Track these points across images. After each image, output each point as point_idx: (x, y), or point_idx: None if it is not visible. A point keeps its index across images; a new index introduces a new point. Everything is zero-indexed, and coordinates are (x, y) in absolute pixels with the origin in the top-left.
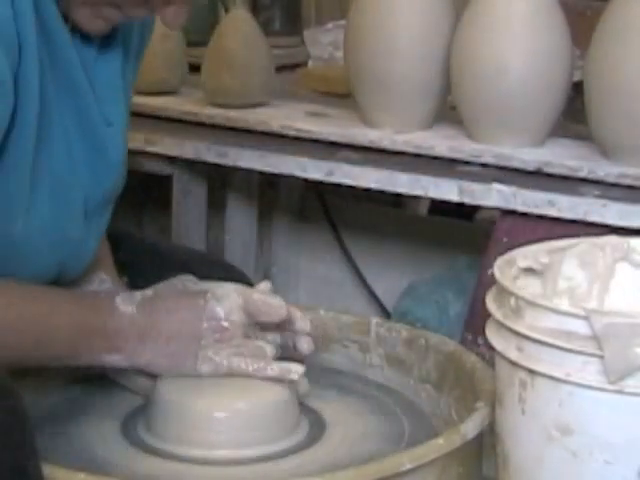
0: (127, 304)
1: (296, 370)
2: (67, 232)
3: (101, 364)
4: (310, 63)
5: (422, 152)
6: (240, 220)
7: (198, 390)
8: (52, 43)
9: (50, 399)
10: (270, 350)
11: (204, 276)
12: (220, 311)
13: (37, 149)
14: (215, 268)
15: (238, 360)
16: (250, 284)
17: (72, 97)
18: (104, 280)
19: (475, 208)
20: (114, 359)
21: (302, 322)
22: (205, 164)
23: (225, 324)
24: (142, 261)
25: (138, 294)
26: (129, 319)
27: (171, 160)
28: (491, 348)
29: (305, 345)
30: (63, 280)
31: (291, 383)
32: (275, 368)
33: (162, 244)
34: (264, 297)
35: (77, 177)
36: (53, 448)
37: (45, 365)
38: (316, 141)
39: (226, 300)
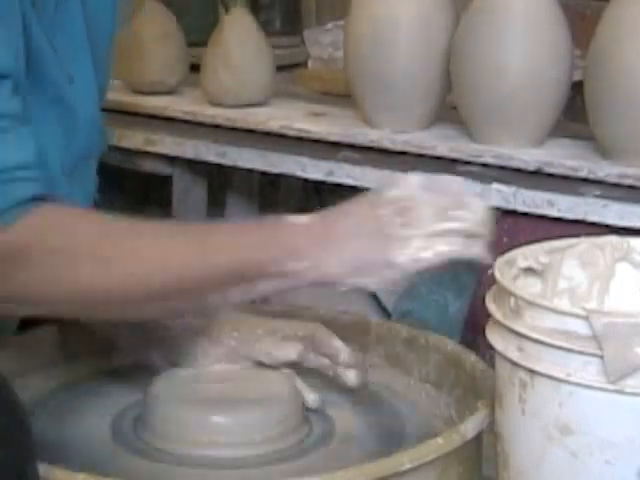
0: (297, 217)
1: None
2: (52, 190)
3: (282, 278)
4: (310, 63)
5: (422, 152)
6: (240, 220)
7: (195, 393)
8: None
9: (47, 397)
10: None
11: None
12: (400, 193)
13: None
14: None
15: (437, 241)
16: None
17: (32, 59)
18: None
19: None
20: (298, 267)
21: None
22: (205, 164)
23: (408, 204)
24: None
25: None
26: (304, 227)
27: (171, 160)
28: (491, 348)
29: (354, 379)
30: None
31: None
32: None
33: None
34: None
35: (51, 135)
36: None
37: (201, 295)
38: (316, 141)
39: (406, 182)
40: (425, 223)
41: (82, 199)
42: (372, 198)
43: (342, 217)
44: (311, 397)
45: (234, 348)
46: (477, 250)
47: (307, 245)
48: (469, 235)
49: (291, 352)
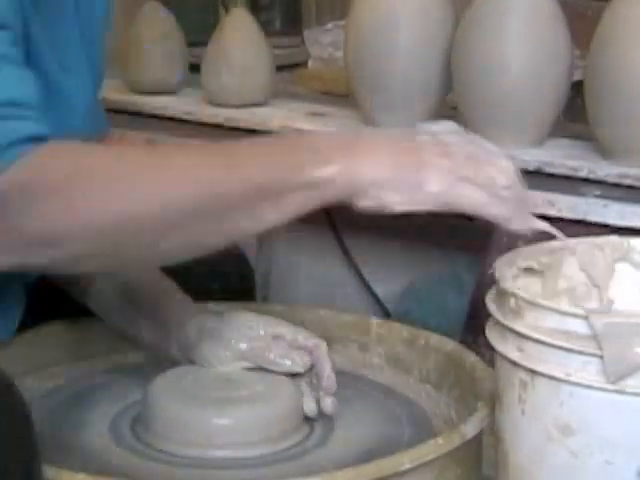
0: (321, 131)
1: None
2: None
3: (312, 186)
4: (310, 63)
5: None
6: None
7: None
8: None
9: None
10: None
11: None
12: (436, 129)
13: None
14: None
15: (467, 187)
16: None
17: (27, 49)
18: None
19: None
20: (328, 171)
21: (328, 381)
22: None
23: (447, 142)
24: None
25: None
26: (332, 135)
27: None
28: (491, 348)
29: (329, 406)
30: None
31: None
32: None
33: None
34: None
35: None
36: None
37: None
38: None
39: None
40: (460, 162)
41: None
42: (409, 129)
43: (374, 132)
44: (310, 406)
45: (243, 353)
46: (497, 211)
47: (337, 150)
48: (494, 194)
49: (298, 364)
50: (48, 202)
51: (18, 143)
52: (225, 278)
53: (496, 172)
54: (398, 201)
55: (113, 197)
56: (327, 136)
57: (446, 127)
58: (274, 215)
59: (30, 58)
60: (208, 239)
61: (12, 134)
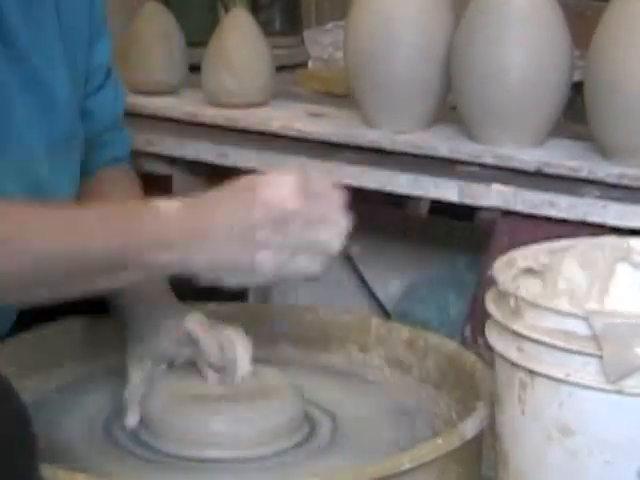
0: (169, 202)
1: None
2: (37, 176)
3: (151, 268)
4: (310, 63)
5: (422, 152)
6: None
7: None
8: None
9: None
10: (337, 243)
11: None
12: (274, 196)
13: None
14: None
15: (302, 260)
16: None
17: (8, 43)
18: None
19: (475, 208)
20: (166, 258)
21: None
22: (205, 164)
23: (282, 211)
24: None
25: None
26: (177, 218)
27: (171, 160)
28: (491, 348)
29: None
30: None
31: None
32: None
33: None
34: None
35: (30, 119)
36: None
37: (78, 286)
38: (316, 141)
39: (281, 183)
40: (295, 234)
41: (67, 184)
42: (248, 196)
43: (217, 213)
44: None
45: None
46: (323, 267)
47: (179, 238)
48: (329, 258)
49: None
50: None
51: None
52: None
53: (332, 234)
54: (235, 282)
55: None
56: (172, 219)
57: (283, 187)
58: (111, 284)
59: (16, 52)
60: (65, 294)
61: None
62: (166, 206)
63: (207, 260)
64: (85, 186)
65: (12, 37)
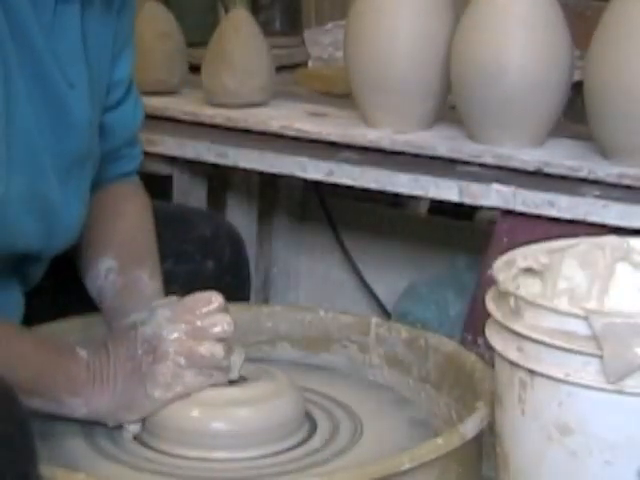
0: (82, 348)
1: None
2: (46, 197)
3: (59, 407)
4: (310, 63)
5: (422, 152)
6: (240, 220)
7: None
8: (9, 10)
9: None
10: (219, 353)
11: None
12: (149, 332)
13: (8, 115)
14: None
15: (185, 374)
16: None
17: (32, 61)
18: (110, 269)
19: (475, 208)
20: (76, 402)
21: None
22: (205, 164)
23: (155, 342)
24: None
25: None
26: (85, 365)
27: (171, 160)
28: (491, 348)
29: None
30: (52, 249)
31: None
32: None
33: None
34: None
35: (44, 139)
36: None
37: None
38: (316, 141)
39: (153, 319)
40: (171, 360)
41: (76, 205)
42: (131, 335)
43: (112, 357)
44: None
45: None
46: (223, 379)
47: (83, 383)
48: (217, 369)
49: None
50: None
51: None
52: (219, 254)
53: (215, 346)
54: (136, 417)
55: None
56: (82, 366)
57: (156, 323)
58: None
59: (35, 70)
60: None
61: None
62: (80, 352)
63: (107, 402)
64: (98, 202)
65: (35, 59)
